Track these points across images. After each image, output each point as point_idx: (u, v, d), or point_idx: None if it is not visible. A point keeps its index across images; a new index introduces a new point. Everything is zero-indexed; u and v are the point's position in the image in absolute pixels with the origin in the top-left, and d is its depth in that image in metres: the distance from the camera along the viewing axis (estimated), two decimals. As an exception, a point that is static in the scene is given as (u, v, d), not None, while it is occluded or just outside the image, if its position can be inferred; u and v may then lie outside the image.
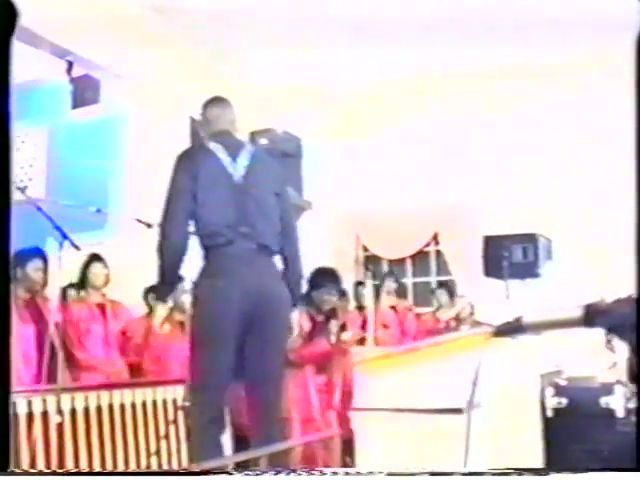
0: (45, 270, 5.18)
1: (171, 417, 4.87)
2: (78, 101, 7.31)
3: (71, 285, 5.81)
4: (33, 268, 5.09)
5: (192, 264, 3.87)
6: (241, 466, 3.26)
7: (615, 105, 5.21)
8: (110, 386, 4.77)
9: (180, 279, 4.49)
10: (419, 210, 8.81)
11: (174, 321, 5.69)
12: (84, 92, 7.22)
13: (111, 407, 4.60)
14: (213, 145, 3.92)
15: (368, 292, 6.31)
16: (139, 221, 5.14)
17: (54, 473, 3.19)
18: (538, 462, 2.48)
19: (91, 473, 3.53)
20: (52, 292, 5.29)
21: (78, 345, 5.49)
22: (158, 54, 7.29)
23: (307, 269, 4.25)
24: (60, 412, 4.16)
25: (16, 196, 4.03)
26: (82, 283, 5.70)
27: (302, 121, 9.17)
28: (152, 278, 4.17)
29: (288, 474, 2.18)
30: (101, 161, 7.24)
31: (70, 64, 6.88)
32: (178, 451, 4.90)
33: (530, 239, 6.59)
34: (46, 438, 4.15)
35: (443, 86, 8.72)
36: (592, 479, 2.06)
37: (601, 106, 7.85)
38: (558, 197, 8.16)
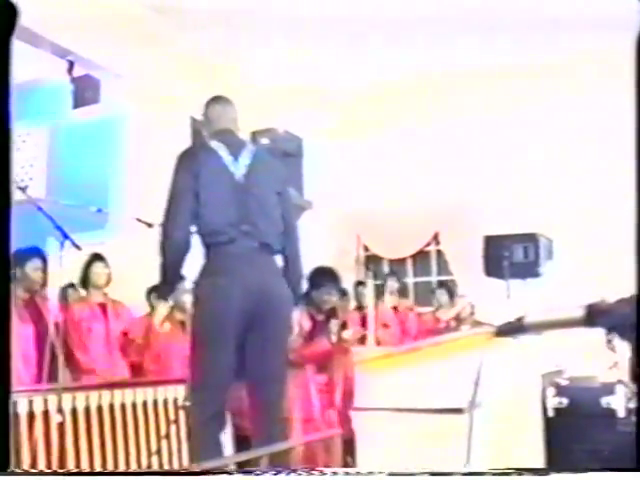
0: (44, 270, 5.18)
1: (172, 417, 4.87)
2: (79, 101, 7.31)
3: (71, 285, 5.82)
4: (32, 268, 5.09)
5: (193, 263, 3.86)
6: (242, 466, 3.26)
7: (615, 105, 5.20)
8: (111, 385, 4.77)
9: (181, 278, 4.49)
10: (420, 210, 8.82)
11: (175, 320, 5.69)
12: (85, 92, 7.22)
13: (112, 406, 4.60)
14: (215, 144, 3.92)
15: (369, 292, 6.31)
16: (140, 221, 5.14)
17: (55, 473, 3.19)
18: (539, 462, 2.48)
19: (92, 473, 3.54)
20: (53, 292, 5.30)
21: (79, 345, 5.49)
22: (159, 54, 7.29)
23: (307, 269, 4.25)
24: (61, 411, 4.16)
25: (17, 196, 4.03)
26: (84, 283, 5.70)
27: (303, 121, 9.18)
28: (153, 278, 4.17)
29: (288, 474, 2.18)
30: (102, 161, 7.24)
31: (71, 64, 6.88)
32: (179, 451, 4.90)
33: (531, 239, 6.58)
34: (47, 438, 4.15)
35: (443, 86, 8.72)
36: (592, 479, 2.06)
37: (601, 106, 7.85)
38: (559, 197, 8.16)
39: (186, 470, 4.23)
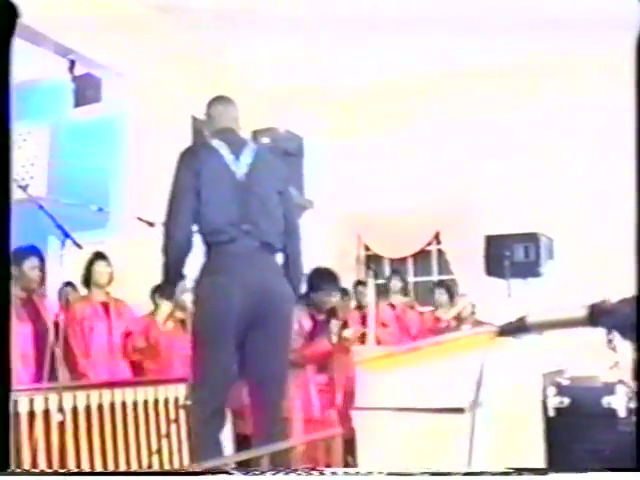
0: (42, 268, 5.18)
1: (172, 416, 4.87)
2: (80, 100, 7.31)
3: (70, 284, 5.82)
4: (29, 266, 5.09)
5: (194, 262, 3.86)
6: (242, 466, 3.26)
7: (615, 105, 5.20)
8: (112, 384, 4.78)
9: (182, 277, 4.49)
10: (421, 209, 8.82)
11: (176, 319, 5.70)
12: (86, 90, 7.22)
13: (113, 405, 4.60)
14: (216, 142, 3.92)
15: (370, 291, 6.31)
16: (140, 220, 5.15)
17: (56, 473, 3.19)
18: (540, 461, 2.48)
19: (93, 473, 3.54)
20: (53, 291, 5.29)
21: (79, 345, 5.49)
22: (160, 53, 7.29)
23: (308, 269, 4.25)
24: (62, 410, 4.16)
25: (18, 194, 4.04)
26: (86, 281, 5.70)
27: (303, 121, 9.18)
28: (154, 277, 4.17)
29: (287, 474, 2.18)
30: (103, 160, 7.23)
31: (72, 63, 6.88)
32: (179, 450, 4.90)
33: (532, 238, 6.56)
34: (47, 437, 4.15)
35: (444, 86, 8.72)
36: (592, 479, 2.06)
37: (601, 106, 7.85)
38: (559, 196, 8.16)
39: (186, 470, 4.23)
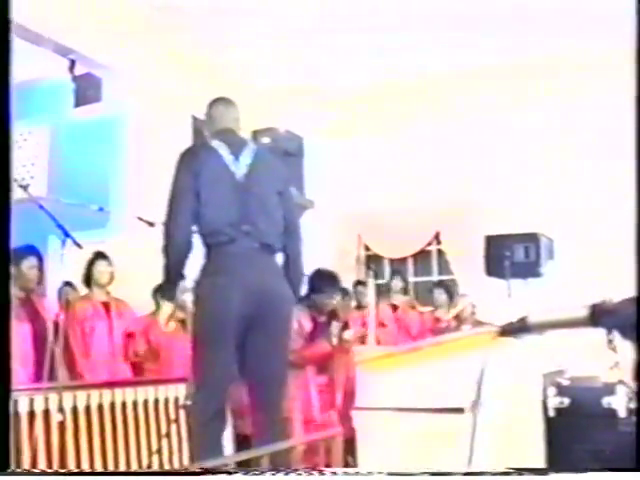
0: (40, 268, 5.19)
1: (172, 416, 4.87)
2: (80, 99, 7.31)
3: (68, 284, 5.82)
4: (27, 266, 5.10)
5: (194, 262, 3.86)
6: (242, 466, 3.26)
7: (615, 105, 5.21)
8: (112, 384, 4.78)
9: (183, 277, 4.49)
10: (421, 209, 8.82)
11: (177, 319, 5.70)
12: (86, 90, 7.22)
13: (113, 405, 4.60)
14: (216, 143, 3.92)
15: (370, 291, 6.31)
16: (141, 219, 5.15)
17: (56, 473, 3.19)
18: (540, 462, 2.48)
19: (93, 473, 3.54)
20: (53, 291, 5.29)
21: (78, 345, 5.49)
22: (160, 53, 7.30)
23: (308, 269, 4.25)
24: (62, 410, 4.16)
25: (18, 194, 4.05)
26: (87, 281, 5.70)
27: (303, 121, 9.18)
28: (154, 277, 4.18)
29: (287, 474, 2.18)
30: (103, 159, 7.23)
31: (72, 62, 6.89)
32: (179, 450, 4.91)
33: (532, 239, 6.57)
34: (47, 437, 4.15)
35: (443, 86, 8.72)
36: (593, 479, 2.06)
37: (601, 106, 7.85)
38: (560, 196, 8.16)
39: (186, 470, 4.23)
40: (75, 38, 6.51)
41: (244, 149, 3.93)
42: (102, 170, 7.18)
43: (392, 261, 9.67)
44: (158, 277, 3.95)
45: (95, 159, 7.30)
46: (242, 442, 4.62)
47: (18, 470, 3.17)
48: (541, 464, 2.48)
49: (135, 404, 4.74)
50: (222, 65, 8.09)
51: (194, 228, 3.82)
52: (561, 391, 2.56)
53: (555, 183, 8.24)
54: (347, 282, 7.43)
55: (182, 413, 4.76)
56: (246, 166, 3.87)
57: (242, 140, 4.08)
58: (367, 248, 9.83)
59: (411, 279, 9.48)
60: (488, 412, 2.19)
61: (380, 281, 9.35)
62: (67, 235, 4.25)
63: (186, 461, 4.79)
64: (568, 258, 7.23)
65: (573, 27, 7.28)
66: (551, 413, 2.56)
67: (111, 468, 4.41)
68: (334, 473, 2.17)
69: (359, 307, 7.47)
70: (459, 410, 2.18)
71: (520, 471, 2.02)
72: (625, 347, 1.96)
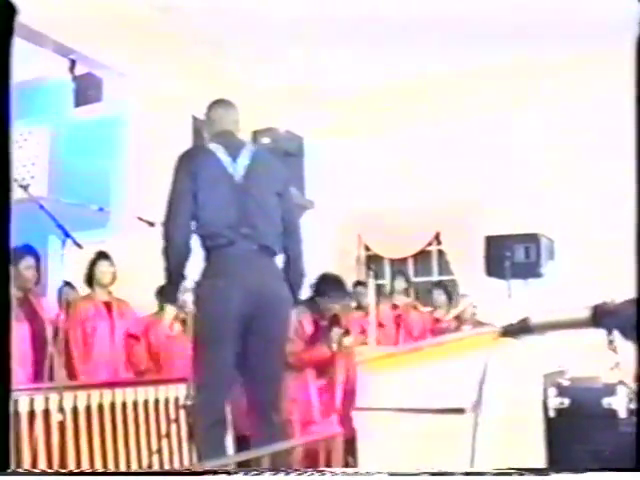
0: (37, 268, 5.19)
1: (173, 416, 4.87)
2: (81, 99, 7.32)
3: (68, 284, 5.82)
4: (25, 266, 5.10)
5: (195, 264, 3.86)
6: (242, 466, 3.26)
7: (615, 105, 5.20)
8: (112, 384, 4.78)
9: (184, 278, 4.50)
10: (421, 210, 8.82)
11: (178, 319, 5.70)
12: (87, 90, 7.22)
13: (113, 405, 4.60)
14: (213, 145, 3.92)
15: (371, 291, 6.31)
16: (141, 219, 5.15)
17: (56, 473, 3.19)
18: (540, 462, 2.47)
19: (93, 473, 3.54)
20: (53, 291, 5.29)
21: (81, 345, 5.49)
22: (161, 53, 7.30)
23: (309, 269, 4.24)
24: (62, 410, 4.16)
25: (18, 194, 4.04)
26: (89, 281, 5.70)
27: (303, 121, 9.18)
28: (154, 277, 4.17)
29: (288, 474, 2.18)
30: (103, 159, 7.24)
31: (73, 62, 6.89)
32: (179, 450, 4.91)
33: (532, 239, 6.57)
34: (48, 437, 4.15)
35: (444, 86, 8.72)
36: (593, 479, 2.06)
37: (601, 106, 7.85)
38: (560, 197, 8.16)
39: (187, 470, 4.24)
40: (76, 38, 6.50)
41: (242, 151, 3.93)
42: (102, 170, 7.19)
43: (392, 261, 9.67)
44: (158, 277, 3.95)
45: (95, 159, 7.32)
46: (242, 443, 4.62)
47: (18, 470, 3.16)
48: (541, 464, 2.47)
49: (135, 404, 4.74)
50: (222, 65, 8.09)
51: (193, 230, 3.82)
52: (561, 391, 2.56)
53: (555, 183, 8.24)
54: (347, 282, 7.43)
55: (182, 413, 4.76)
56: (244, 168, 3.87)
57: (240, 142, 4.08)
58: (367, 248, 9.83)
59: (411, 279, 9.48)
60: (489, 412, 2.20)
61: (380, 281, 9.36)
62: (67, 235, 4.25)
63: (186, 461, 4.79)
64: (568, 258, 7.24)
65: (573, 27, 7.28)
66: (551, 413, 2.55)
67: (111, 468, 4.41)
68: (334, 473, 2.17)
69: (359, 307, 7.46)
70: (460, 410, 2.18)
71: (521, 471, 2.02)
72: (625, 348, 1.96)
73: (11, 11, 2.32)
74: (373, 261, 9.57)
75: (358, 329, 6.85)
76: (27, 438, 4.05)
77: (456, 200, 8.63)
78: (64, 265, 4.43)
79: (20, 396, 4.08)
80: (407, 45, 7.86)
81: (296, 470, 2.25)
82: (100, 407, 4.52)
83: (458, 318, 7.32)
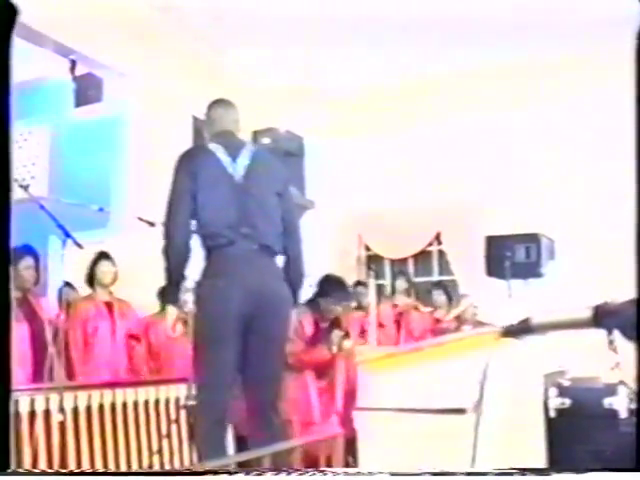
0: (36, 268, 5.19)
1: (173, 416, 4.87)
2: (81, 99, 7.33)
3: (68, 284, 5.82)
4: (24, 266, 5.10)
5: (195, 264, 3.86)
6: (242, 466, 3.26)
7: (615, 105, 5.20)
8: (112, 384, 4.78)
9: (184, 279, 4.49)
10: (421, 210, 8.82)
11: (182, 320, 5.69)
12: (87, 90, 7.23)
13: (113, 406, 4.60)
14: (213, 145, 3.91)
15: (371, 291, 6.31)
16: (141, 220, 5.15)
17: (57, 473, 3.19)
18: (541, 462, 2.47)
19: (94, 473, 3.54)
20: (54, 291, 5.28)
21: (81, 345, 5.49)
22: (161, 53, 7.30)
23: (309, 269, 4.24)
24: (62, 410, 4.16)
25: (19, 194, 4.05)
26: (90, 281, 5.70)
27: (304, 121, 9.18)
28: (154, 277, 4.17)
29: (289, 474, 2.18)
30: (104, 159, 7.24)
31: (73, 62, 6.89)
32: (180, 450, 4.91)
33: (533, 239, 6.56)
34: (48, 437, 4.15)
35: (444, 86, 8.72)
36: (593, 479, 2.06)
37: (601, 106, 7.85)
38: (560, 197, 8.16)
39: (187, 470, 4.24)
40: (76, 38, 6.51)
41: (242, 151, 3.92)
42: (103, 170, 7.19)
43: (393, 261, 9.66)
44: (158, 278, 3.95)
45: (96, 159, 7.32)
46: (242, 443, 4.62)
47: (19, 470, 3.16)
48: (542, 464, 2.47)
49: (136, 404, 4.75)
50: (222, 65, 8.09)
51: (194, 230, 3.82)
52: (562, 392, 2.56)
53: (556, 183, 8.24)
54: (348, 282, 7.42)
55: (183, 413, 4.76)
56: (244, 168, 3.87)
57: (240, 142, 4.07)
58: (368, 248, 9.82)
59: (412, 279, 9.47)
60: (490, 412, 2.20)
61: (381, 281, 9.37)
62: (68, 235, 4.25)
63: (187, 461, 4.79)
64: (569, 258, 7.23)
65: (573, 27, 7.27)
66: (552, 414, 2.55)
67: (112, 468, 4.41)
68: (335, 473, 2.17)
69: (359, 307, 7.46)
70: (460, 411, 2.18)
71: (521, 471, 2.02)
72: (626, 348, 1.96)
73: (11, 11, 2.32)
74: (373, 261, 9.57)
75: (358, 329, 6.85)
76: (28, 438, 4.05)
77: (456, 200, 8.63)
78: (64, 265, 4.43)
79: (21, 396, 4.08)
80: (407, 45, 7.86)
81: (297, 470, 2.25)
82: (101, 407, 4.52)
83: (459, 318, 7.32)
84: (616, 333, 1.92)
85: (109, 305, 5.68)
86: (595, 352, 2.25)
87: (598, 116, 7.96)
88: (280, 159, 5.48)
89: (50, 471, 3.74)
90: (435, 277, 9.40)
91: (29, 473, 3.09)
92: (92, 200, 5.86)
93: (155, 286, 5.63)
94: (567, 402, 2.54)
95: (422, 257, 9.58)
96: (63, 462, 4.14)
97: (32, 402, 4.13)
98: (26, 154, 7.95)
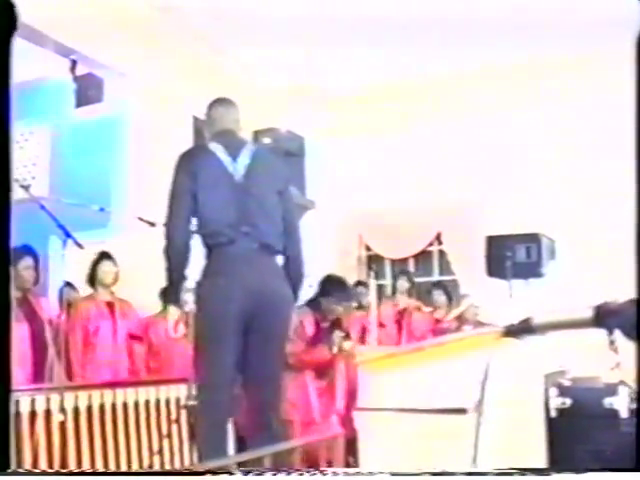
0: (36, 268, 5.19)
1: (174, 416, 4.87)
2: (82, 99, 7.33)
3: (69, 284, 5.82)
4: (23, 266, 5.10)
5: (196, 263, 3.87)
6: (242, 466, 3.26)
7: (615, 105, 5.20)
8: (113, 384, 4.78)
9: (185, 279, 4.49)
10: (422, 210, 8.82)
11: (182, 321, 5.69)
12: (88, 90, 7.23)
13: (114, 406, 4.60)
14: (213, 145, 3.91)
15: (372, 291, 6.32)
16: (142, 220, 5.15)
17: (57, 473, 3.19)
18: (542, 462, 2.47)
19: (94, 473, 3.53)
20: (54, 291, 5.28)
21: (81, 346, 5.49)
22: (161, 53, 7.30)
23: (310, 269, 4.24)
24: (63, 411, 4.16)
25: (19, 194, 4.05)
26: (91, 281, 5.70)
27: (304, 121, 9.18)
28: (155, 277, 4.17)
29: (289, 474, 2.18)
30: (104, 159, 7.24)
31: (74, 62, 6.88)
32: (180, 450, 4.91)
33: (533, 239, 6.56)
34: (49, 437, 4.15)
35: (444, 86, 8.73)
36: (594, 479, 2.06)
37: (601, 106, 7.85)
38: (561, 197, 8.16)
39: (188, 470, 4.24)
40: (76, 38, 6.51)
41: (242, 150, 3.92)
42: (103, 170, 7.19)
43: (393, 261, 9.66)
44: (159, 278, 3.95)
45: (96, 159, 7.32)
46: (242, 443, 4.62)
47: (19, 470, 3.16)
48: (543, 464, 2.48)
49: (136, 404, 4.75)
50: (223, 65, 8.10)
51: (194, 229, 3.82)
52: (563, 392, 2.56)
53: (556, 183, 8.24)
54: (348, 282, 7.42)
55: (183, 413, 4.76)
56: (244, 167, 3.87)
57: (241, 141, 4.07)
58: (368, 248, 9.82)
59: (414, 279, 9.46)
60: (490, 412, 2.20)
61: (381, 281, 9.37)
62: (68, 235, 4.25)
63: (187, 461, 4.79)
64: (569, 258, 7.23)
65: (573, 27, 7.27)
66: (553, 414, 2.55)
67: (112, 468, 4.41)
68: (336, 473, 2.17)
69: (360, 307, 7.46)
70: (461, 411, 2.18)
71: (522, 471, 2.02)
72: (626, 347, 1.96)
73: (11, 11, 2.32)
74: (374, 261, 9.56)
75: (359, 329, 6.84)
76: (28, 438, 4.05)
77: (457, 200, 8.64)
78: (65, 265, 4.43)
79: (21, 396, 4.08)
80: (407, 45, 7.86)
81: (297, 470, 2.25)
82: (101, 407, 4.52)
83: (459, 318, 7.32)
84: (617, 333, 1.92)
85: (110, 305, 5.69)
86: (595, 352, 2.25)
87: (598, 116, 7.96)
88: (280, 158, 5.48)
89: (50, 471, 3.74)
90: (435, 277, 9.40)
91: (30, 473, 3.09)
92: (93, 200, 5.83)
93: (156, 286, 5.62)
94: (568, 402, 2.54)
95: (423, 257, 9.58)
96: (64, 462, 4.14)
97: (33, 402, 4.13)
98: (27, 154, 7.95)
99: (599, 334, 1.90)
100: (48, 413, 4.17)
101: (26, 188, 4.46)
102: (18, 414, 3.98)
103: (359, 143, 9.43)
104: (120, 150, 7.18)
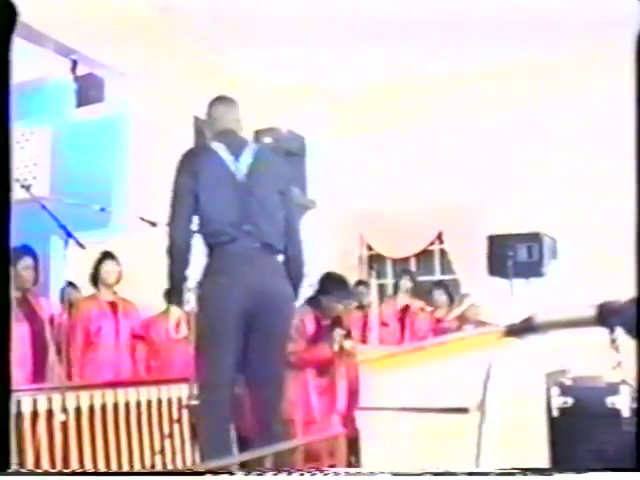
0: (35, 268, 5.19)
1: (175, 416, 4.87)
2: (82, 99, 7.32)
3: (70, 284, 5.82)
4: (23, 266, 5.10)
5: (197, 263, 3.86)
6: (244, 466, 3.26)
7: (615, 105, 5.20)
8: (115, 384, 4.78)
9: (186, 278, 4.49)
10: (423, 209, 8.82)
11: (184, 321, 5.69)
12: (88, 90, 7.23)
13: (116, 406, 4.61)
14: (215, 144, 3.91)
15: (373, 291, 6.31)
16: (143, 220, 5.15)
17: (59, 473, 3.19)
18: (544, 461, 2.48)
19: (96, 473, 3.53)
20: (55, 291, 5.28)
21: (82, 346, 5.49)
22: (162, 53, 7.30)
23: (311, 268, 4.24)
24: (65, 410, 4.16)
25: (20, 194, 4.05)
26: (93, 280, 5.70)
27: (305, 120, 9.18)
28: (156, 277, 4.17)
29: (290, 474, 2.18)
30: (105, 159, 7.24)
31: (74, 62, 6.88)
32: (182, 450, 4.91)
33: (535, 238, 6.56)
34: (50, 437, 4.15)
35: (445, 86, 8.73)
36: (596, 479, 2.06)
37: (601, 106, 7.85)
38: (562, 196, 8.15)
39: (189, 470, 4.24)
40: (77, 38, 6.50)
41: (244, 149, 3.92)
42: (104, 170, 7.19)
43: (395, 261, 9.66)
44: (160, 278, 3.94)
45: (97, 159, 7.31)
46: (243, 442, 4.62)
47: (21, 470, 3.17)
48: (545, 464, 2.48)
49: (138, 404, 4.75)
50: (223, 65, 8.10)
51: (196, 229, 3.82)
52: (565, 391, 2.56)
53: (557, 183, 8.23)
54: (350, 282, 7.42)
55: (185, 413, 4.76)
56: (247, 166, 3.87)
57: (243, 140, 4.07)
58: (369, 248, 9.82)
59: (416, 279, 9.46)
60: (492, 412, 2.19)
61: (382, 281, 9.36)
62: (69, 235, 4.25)
63: (189, 461, 4.79)
64: (571, 258, 7.23)
65: (573, 27, 7.27)
66: (555, 413, 2.56)
67: (114, 468, 4.41)
68: (337, 473, 2.17)
69: (360, 307, 7.45)
70: (463, 410, 2.18)
71: (524, 471, 2.01)
72: (628, 347, 1.96)
73: (11, 11, 2.32)
74: (375, 261, 9.56)
75: (360, 328, 6.84)
76: (30, 438, 4.05)
77: (458, 199, 8.63)
78: (66, 265, 4.43)
79: (23, 396, 4.08)
80: (407, 45, 7.86)
81: (298, 470, 2.25)
82: (103, 407, 4.52)
83: (461, 318, 7.31)
84: (618, 332, 1.92)
85: (113, 305, 5.69)
86: (597, 351, 2.25)
87: (598, 116, 7.95)
88: (282, 158, 5.48)
89: (52, 471, 3.74)
90: (437, 276, 9.39)
91: (31, 473, 3.09)
92: (94, 200, 5.83)
93: (157, 286, 5.62)
94: (569, 401, 2.54)
95: (424, 256, 9.58)
96: (65, 462, 4.14)
97: (34, 402, 4.13)
98: (28, 154, 7.94)
99: (601, 333, 1.90)
100: (50, 413, 4.17)
101: (27, 188, 4.46)
102: (20, 414, 3.99)
103: (359, 143, 9.43)
104: (121, 150, 7.18)
